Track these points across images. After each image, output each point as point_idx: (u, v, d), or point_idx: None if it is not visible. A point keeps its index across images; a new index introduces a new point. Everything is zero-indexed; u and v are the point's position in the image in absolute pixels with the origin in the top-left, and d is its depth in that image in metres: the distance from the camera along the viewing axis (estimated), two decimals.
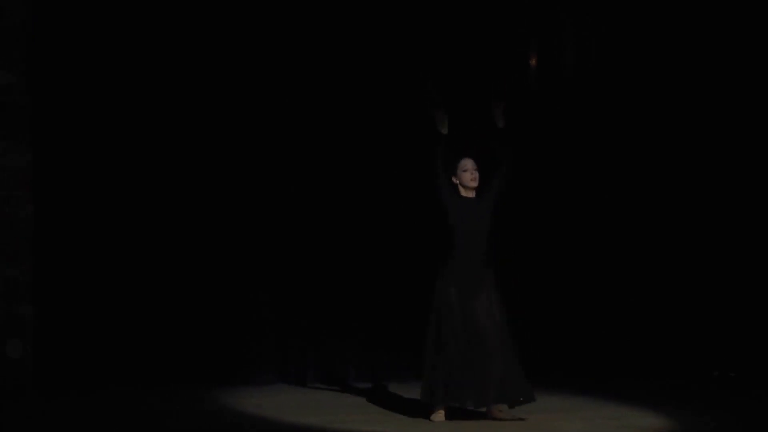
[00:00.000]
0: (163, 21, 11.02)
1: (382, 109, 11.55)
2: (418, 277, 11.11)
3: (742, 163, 12.03)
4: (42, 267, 10.61)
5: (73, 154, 10.86)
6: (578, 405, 9.96)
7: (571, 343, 11.98)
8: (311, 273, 11.30)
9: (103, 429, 8.53)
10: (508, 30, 11.95)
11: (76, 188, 10.85)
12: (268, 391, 10.68)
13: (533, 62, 11.93)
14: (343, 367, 11.37)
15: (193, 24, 11.10)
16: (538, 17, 12.06)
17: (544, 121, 12.16)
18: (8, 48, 10.55)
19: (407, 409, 9.34)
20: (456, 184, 9.01)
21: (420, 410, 9.01)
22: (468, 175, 8.97)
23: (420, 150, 10.70)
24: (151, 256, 10.93)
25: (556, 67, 12.17)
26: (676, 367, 11.90)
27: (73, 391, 10.26)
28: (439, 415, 8.83)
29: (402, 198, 11.41)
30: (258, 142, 11.26)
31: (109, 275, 10.84)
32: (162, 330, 10.86)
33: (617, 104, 12.25)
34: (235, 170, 11.21)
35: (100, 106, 10.90)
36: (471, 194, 9.02)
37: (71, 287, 10.72)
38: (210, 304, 11.03)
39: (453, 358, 8.75)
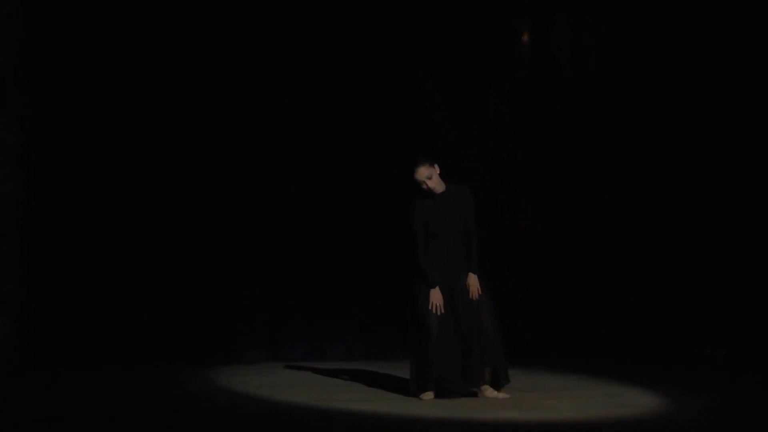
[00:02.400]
0: (158, 10, 10.96)
1: (373, 104, 11.54)
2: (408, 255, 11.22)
3: (725, 155, 12.05)
4: (30, 245, 10.55)
5: (63, 133, 10.82)
6: (572, 384, 9.94)
7: (566, 324, 11.96)
8: (301, 251, 11.26)
9: (93, 408, 8.47)
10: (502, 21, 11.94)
11: (66, 167, 10.82)
12: (258, 369, 10.63)
13: (525, 38, 11.87)
14: (333, 345, 11.33)
15: (186, 14, 11.04)
16: (534, 14, 12.04)
17: (541, 118, 12.13)
18: None
19: (398, 387, 9.30)
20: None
21: (410, 388, 8.96)
22: (425, 187, 8.90)
23: (405, 146, 10.83)
24: (141, 235, 10.90)
25: (554, 67, 12.14)
26: (669, 347, 11.88)
27: (61, 370, 10.21)
28: (429, 394, 8.79)
29: (389, 180, 11.37)
30: (248, 131, 11.21)
31: (98, 254, 10.80)
32: (151, 309, 10.82)
33: (615, 102, 12.21)
34: (223, 156, 11.19)
35: (94, 86, 10.87)
36: (439, 189, 8.93)
37: (60, 266, 10.69)
38: (200, 283, 10.99)
39: (440, 340, 8.72)
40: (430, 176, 8.86)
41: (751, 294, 11.89)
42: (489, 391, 8.90)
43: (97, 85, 10.88)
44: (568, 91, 12.19)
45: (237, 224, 11.13)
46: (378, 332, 11.40)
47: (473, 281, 8.82)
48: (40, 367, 10.28)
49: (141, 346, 10.69)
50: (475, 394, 8.92)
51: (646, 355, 11.68)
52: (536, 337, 11.71)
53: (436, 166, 8.91)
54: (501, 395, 8.90)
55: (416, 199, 8.92)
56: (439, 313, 8.75)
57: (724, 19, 11.92)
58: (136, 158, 10.93)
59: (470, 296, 8.79)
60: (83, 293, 10.67)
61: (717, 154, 12.01)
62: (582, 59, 12.20)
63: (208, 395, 9.19)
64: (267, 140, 11.28)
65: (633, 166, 12.17)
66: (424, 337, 8.75)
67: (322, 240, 11.34)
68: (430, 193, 8.89)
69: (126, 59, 10.95)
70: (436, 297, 8.77)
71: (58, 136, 10.79)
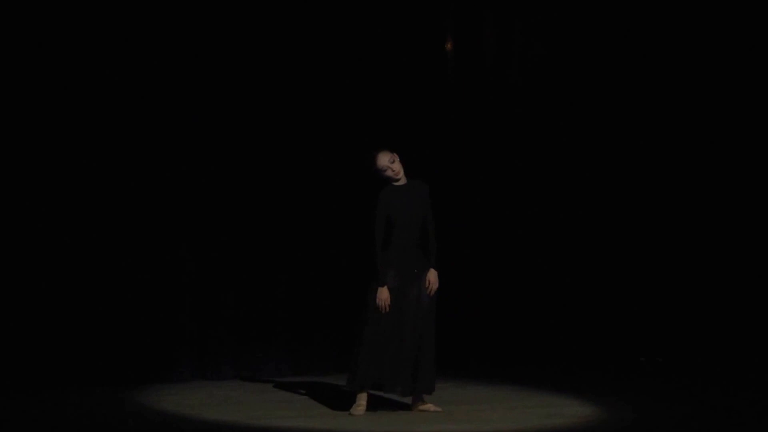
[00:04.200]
0: None
1: (305, 104, 11.43)
2: (339, 272, 11.16)
3: (666, 156, 12.17)
4: None
5: None
6: (504, 395, 9.92)
7: (498, 335, 11.95)
8: (229, 269, 11.13)
9: None
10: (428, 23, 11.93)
11: None
12: (187, 388, 10.50)
13: (449, 47, 11.87)
14: (263, 362, 11.23)
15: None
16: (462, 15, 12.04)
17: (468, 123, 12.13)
18: None
19: (329, 403, 9.24)
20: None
21: (342, 404, 8.94)
22: (393, 167, 8.85)
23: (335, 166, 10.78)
24: (68, 255, 10.65)
25: (505, 72, 12.18)
26: (604, 355, 11.93)
27: None
28: (360, 409, 8.73)
29: (323, 197, 11.30)
30: (175, 142, 11.04)
31: (24, 275, 10.54)
32: (78, 331, 10.60)
33: (546, 108, 12.27)
34: (151, 167, 10.93)
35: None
36: (401, 181, 8.91)
37: None
38: (128, 304, 10.79)
39: (382, 346, 8.66)
40: (392, 161, 8.83)
41: (685, 301, 12.00)
42: (422, 404, 8.85)
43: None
44: (495, 97, 12.19)
45: (163, 243, 10.95)
46: (307, 348, 11.31)
47: (434, 278, 8.79)
48: None
49: (70, 370, 10.48)
50: (408, 407, 8.87)
51: (580, 364, 11.70)
52: (468, 347, 11.67)
53: (395, 154, 8.88)
54: (434, 408, 8.85)
55: (380, 193, 8.85)
56: (384, 312, 8.68)
57: (656, 18, 12.08)
58: (59, 180, 10.66)
59: (428, 293, 8.75)
60: (9, 317, 10.41)
61: (657, 156, 12.14)
62: (508, 65, 12.22)
63: (138, 414, 9.06)
64: (194, 157, 11.11)
65: (568, 171, 12.22)
66: (367, 338, 8.68)
67: (250, 257, 11.21)
68: (394, 181, 8.84)
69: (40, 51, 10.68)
70: (384, 296, 8.69)
71: None
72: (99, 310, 10.62)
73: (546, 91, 12.25)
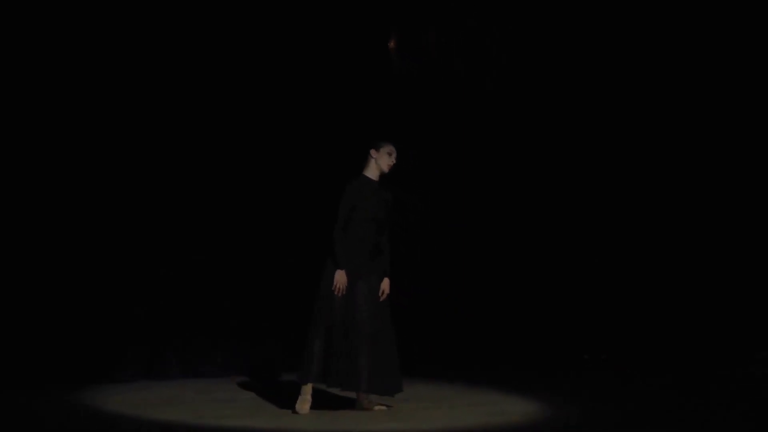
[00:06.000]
0: None
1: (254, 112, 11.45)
2: (285, 271, 11.17)
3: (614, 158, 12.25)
4: None
5: None
6: (450, 394, 9.96)
7: (446, 334, 11.98)
8: (177, 269, 11.12)
9: None
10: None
11: None
12: (133, 388, 10.46)
13: (391, 45, 11.89)
14: (210, 362, 11.21)
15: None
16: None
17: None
18: None
19: (274, 402, 9.24)
20: (369, 158, 8.91)
21: (287, 403, 8.94)
22: (390, 161, 8.91)
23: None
24: (14, 254, 10.63)
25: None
26: (550, 354, 11.98)
27: None
28: (305, 405, 8.73)
29: (269, 195, 11.31)
30: (116, 140, 11.02)
31: None
32: (22, 330, 10.56)
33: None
34: (97, 167, 10.93)
35: None
36: (376, 177, 8.94)
37: None
38: (74, 304, 10.76)
39: (331, 342, 8.67)
40: (394, 155, 8.90)
41: (631, 298, 12.07)
42: (368, 402, 8.87)
43: None
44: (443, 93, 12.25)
45: (111, 243, 10.93)
46: (256, 348, 11.31)
47: (387, 286, 8.83)
48: None
49: (14, 368, 10.43)
50: (352, 405, 8.89)
51: (526, 364, 11.75)
52: (415, 346, 11.69)
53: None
54: (377, 407, 8.87)
55: (351, 180, 8.86)
56: (340, 295, 8.69)
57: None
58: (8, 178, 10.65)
59: (381, 299, 8.77)
60: None
61: (618, 158, 12.22)
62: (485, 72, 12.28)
63: (84, 414, 9.02)
64: (138, 150, 11.09)
65: (520, 166, 12.28)
66: (319, 328, 8.69)
67: (198, 255, 11.21)
68: (376, 171, 8.87)
69: None
70: (341, 279, 8.70)
71: None
72: (46, 309, 10.59)
73: (523, 97, 12.30)
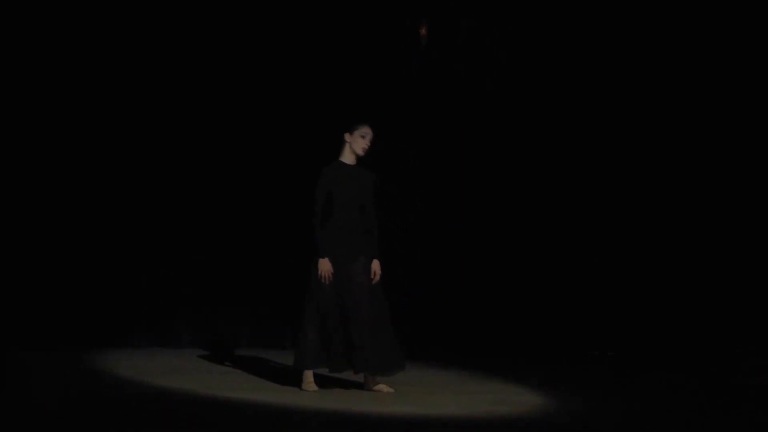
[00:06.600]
0: None
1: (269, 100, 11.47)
2: (297, 244, 11.17)
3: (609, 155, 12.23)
4: None
5: None
6: (455, 380, 9.99)
7: (453, 321, 11.99)
8: (190, 237, 11.18)
9: None
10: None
11: None
12: (145, 355, 10.54)
13: (423, 33, 11.89)
14: (221, 332, 11.26)
15: None
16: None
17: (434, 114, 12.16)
18: None
19: (281, 376, 9.28)
20: (344, 143, 8.89)
21: (293, 379, 8.97)
22: (364, 144, 8.85)
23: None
24: (27, 219, 10.70)
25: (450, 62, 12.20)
26: (558, 347, 11.99)
27: None
28: (310, 384, 8.77)
29: (279, 170, 11.35)
30: (131, 123, 11.08)
31: None
32: (37, 292, 10.64)
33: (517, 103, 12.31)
34: (107, 142, 11.04)
35: None
36: (353, 161, 8.93)
37: None
38: (88, 267, 10.84)
39: (328, 326, 8.69)
40: (369, 137, 8.84)
41: (640, 296, 12.06)
42: (374, 384, 8.90)
43: None
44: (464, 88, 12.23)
45: (125, 210, 11.00)
46: (266, 321, 11.36)
47: (378, 267, 8.79)
48: None
49: (28, 330, 10.51)
50: (360, 386, 8.92)
51: (533, 355, 11.77)
52: (423, 332, 11.72)
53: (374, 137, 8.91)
54: (386, 389, 8.89)
55: (324, 168, 8.85)
56: (327, 291, 8.72)
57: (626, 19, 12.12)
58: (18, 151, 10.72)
59: (373, 282, 8.75)
60: None
61: (604, 155, 12.19)
62: (480, 59, 12.25)
63: (93, 378, 9.09)
64: (153, 131, 11.14)
65: (522, 166, 12.27)
66: (311, 318, 8.71)
67: (212, 226, 11.25)
68: (350, 154, 8.85)
69: None
70: (325, 267, 8.70)
71: None
72: (64, 273, 10.69)
73: (523, 97, 12.28)
